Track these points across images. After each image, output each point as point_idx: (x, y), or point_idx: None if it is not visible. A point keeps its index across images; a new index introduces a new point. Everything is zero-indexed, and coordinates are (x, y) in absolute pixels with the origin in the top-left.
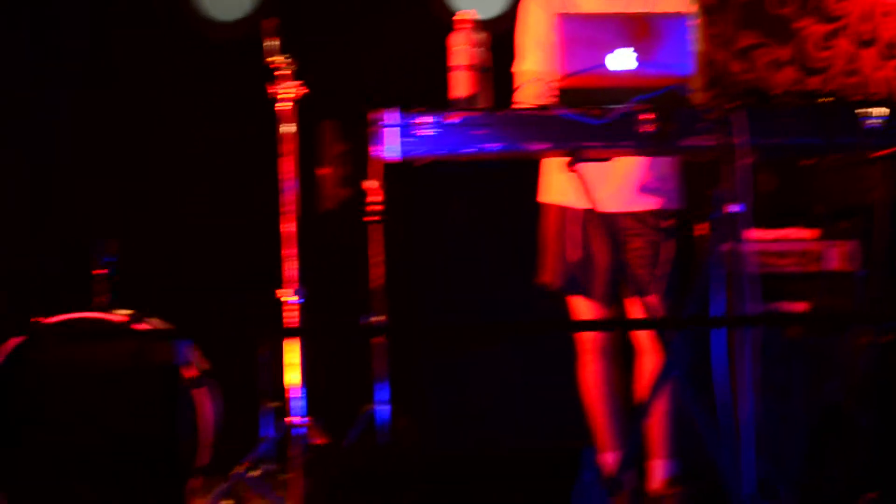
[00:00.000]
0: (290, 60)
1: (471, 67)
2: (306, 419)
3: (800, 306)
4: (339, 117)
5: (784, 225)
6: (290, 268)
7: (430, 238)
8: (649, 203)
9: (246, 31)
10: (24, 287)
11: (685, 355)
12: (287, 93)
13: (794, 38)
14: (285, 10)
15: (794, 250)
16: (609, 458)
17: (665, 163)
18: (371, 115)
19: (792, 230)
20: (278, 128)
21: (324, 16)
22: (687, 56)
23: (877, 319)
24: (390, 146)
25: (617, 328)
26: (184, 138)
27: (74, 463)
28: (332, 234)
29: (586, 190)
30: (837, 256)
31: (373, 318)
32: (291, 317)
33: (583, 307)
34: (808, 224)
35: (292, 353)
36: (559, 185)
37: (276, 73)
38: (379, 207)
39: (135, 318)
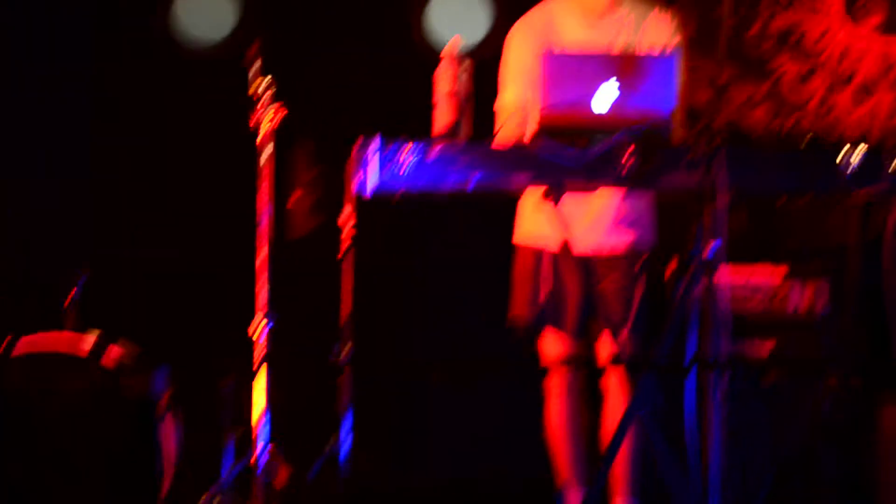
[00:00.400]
0: (270, 82)
1: (455, 98)
2: (270, 449)
3: (766, 345)
4: (314, 142)
5: (750, 263)
6: (261, 296)
7: (405, 270)
8: (623, 240)
9: (225, 53)
10: None
11: (653, 395)
12: (266, 115)
13: (769, 76)
14: (265, 32)
15: (760, 289)
16: (573, 498)
17: (639, 200)
18: (353, 142)
19: (758, 269)
20: (257, 150)
21: (304, 38)
22: (669, 94)
23: (845, 363)
24: (369, 175)
25: (584, 369)
26: (158, 160)
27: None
28: (302, 261)
29: (562, 227)
30: (804, 296)
31: (342, 350)
32: (260, 346)
33: (552, 345)
34: (774, 263)
35: (258, 383)
36: (534, 225)
37: (256, 95)
38: (351, 237)
39: (103, 342)
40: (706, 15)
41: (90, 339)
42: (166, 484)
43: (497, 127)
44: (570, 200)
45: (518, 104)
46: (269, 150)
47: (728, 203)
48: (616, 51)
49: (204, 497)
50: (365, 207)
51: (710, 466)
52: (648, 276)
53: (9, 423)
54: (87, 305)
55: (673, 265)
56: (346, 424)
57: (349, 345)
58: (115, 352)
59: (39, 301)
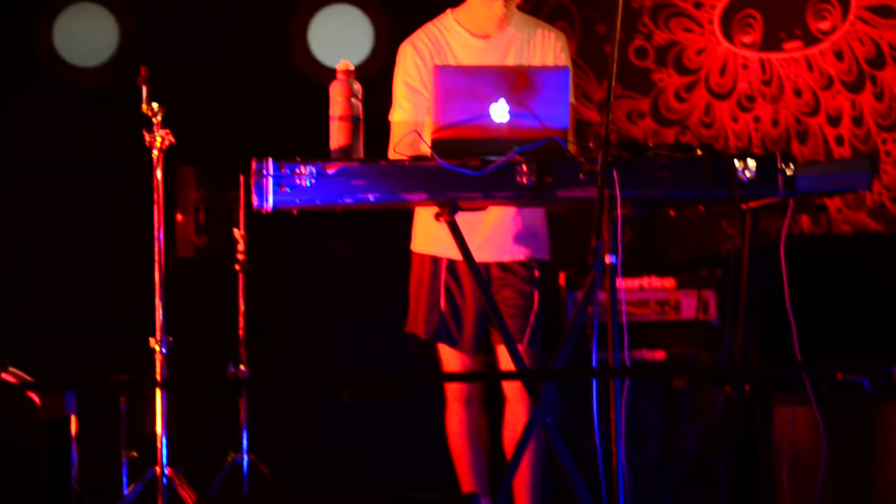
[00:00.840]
0: (159, 108)
1: (347, 122)
2: (169, 469)
3: (657, 354)
4: (194, 167)
5: (639, 274)
6: (156, 315)
7: (300, 286)
8: (518, 253)
9: (109, 78)
10: None
11: (555, 403)
12: (155, 140)
13: (652, 89)
14: (148, 58)
15: (651, 299)
16: None
17: (533, 214)
18: (240, 166)
19: (649, 279)
20: (153, 173)
21: (187, 64)
22: (563, 108)
23: (739, 370)
24: (264, 196)
25: (484, 379)
26: (47, 183)
27: None
28: (190, 281)
29: (455, 241)
30: (693, 306)
31: (239, 367)
32: (157, 365)
33: (451, 354)
34: (662, 273)
35: (155, 403)
36: (430, 234)
37: (148, 120)
38: (244, 257)
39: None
40: (588, 31)
41: None
42: None
43: (392, 141)
44: (463, 216)
45: (410, 119)
46: (159, 174)
47: (627, 215)
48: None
49: None
50: (258, 226)
51: (617, 472)
52: (544, 287)
53: None
54: None
55: (564, 276)
56: (245, 441)
57: (245, 361)
58: (16, 372)
59: None
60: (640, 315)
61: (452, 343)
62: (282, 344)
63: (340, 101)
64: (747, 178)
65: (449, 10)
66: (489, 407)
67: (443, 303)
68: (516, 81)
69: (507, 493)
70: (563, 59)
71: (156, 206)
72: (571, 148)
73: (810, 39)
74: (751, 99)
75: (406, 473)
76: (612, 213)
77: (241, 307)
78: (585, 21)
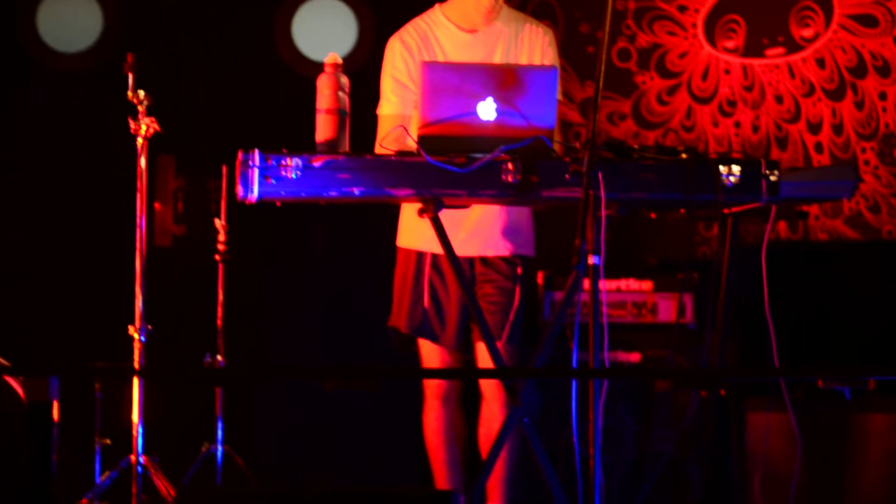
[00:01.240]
0: (145, 96)
1: (334, 115)
2: (144, 457)
3: (633, 356)
4: (174, 156)
5: (617, 276)
6: (135, 304)
7: (281, 277)
8: (503, 249)
9: (92, 65)
10: None
11: (534, 403)
12: (140, 128)
13: (634, 91)
14: (130, 46)
15: (628, 301)
16: None
17: (519, 210)
18: (224, 156)
19: (626, 281)
20: (136, 161)
21: (168, 52)
22: (550, 108)
23: (722, 375)
24: (249, 187)
25: (464, 377)
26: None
27: None
28: (167, 271)
29: (438, 237)
30: (670, 309)
31: (216, 357)
32: (135, 354)
33: (432, 350)
34: (640, 276)
35: (132, 392)
36: (415, 229)
37: (133, 107)
38: (224, 247)
39: None
40: (571, 31)
41: None
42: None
43: (379, 134)
44: (447, 211)
45: (398, 113)
46: (143, 162)
47: (607, 216)
48: (495, 60)
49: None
50: (239, 216)
51: (594, 472)
52: (526, 284)
53: None
54: None
55: (542, 276)
56: (220, 431)
57: (222, 352)
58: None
59: None
60: (617, 317)
61: (434, 339)
62: (260, 334)
63: (328, 94)
64: (731, 182)
65: (437, 5)
66: (466, 404)
67: (426, 298)
68: (504, 80)
69: (481, 491)
70: (551, 55)
71: (139, 195)
72: (557, 147)
73: (793, 46)
74: (732, 104)
75: (383, 466)
76: (595, 214)
77: (220, 297)
78: (569, 20)
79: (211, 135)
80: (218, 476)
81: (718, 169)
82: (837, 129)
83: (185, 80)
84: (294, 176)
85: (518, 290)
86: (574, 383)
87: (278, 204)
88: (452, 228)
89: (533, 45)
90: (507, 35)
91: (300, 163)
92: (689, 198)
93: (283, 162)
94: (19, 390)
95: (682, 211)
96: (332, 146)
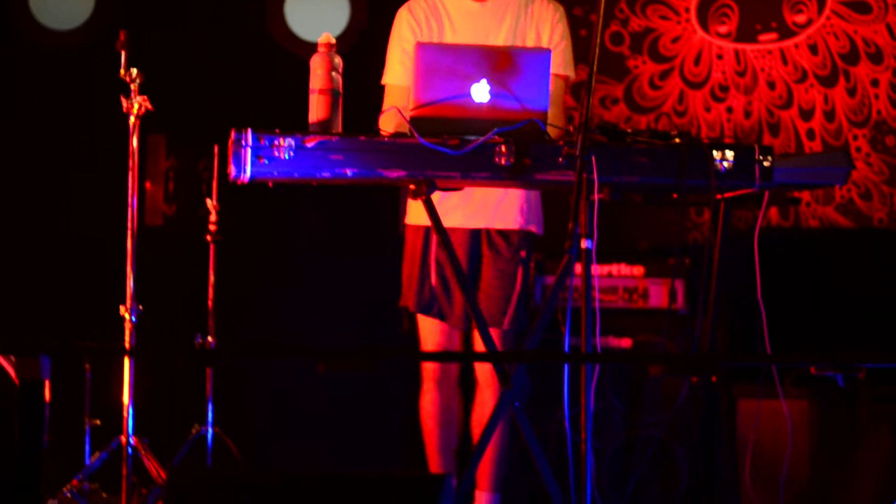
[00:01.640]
0: (137, 74)
1: (327, 95)
2: (134, 438)
3: (624, 342)
4: (165, 136)
5: (608, 261)
6: (126, 284)
7: (273, 258)
8: (512, 221)
9: (82, 42)
10: None
11: (525, 387)
12: (132, 106)
13: (627, 75)
14: (123, 23)
15: (619, 286)
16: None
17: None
18: (216, 135)
19: (618, 266)
20: (128, 140)
21: (159, 29)
22: (544, 90)
23: (707, 360)
24: (243, 167)
25: (455, 360)
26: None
27: None
28: (158, 250)
29: (430, 218)
30: (662, 294)
31: (207, 338)
32: (126, 334)
33: (431, 330)
34: (631, 261)
35: (123, 372)
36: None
37: (125, 85)
38: (215, 227)
39: None
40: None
41: None
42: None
43: (385, 104)
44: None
45: (403, 84)
46: (135, 140)
47: (599, 200)
48: (503, 30)
49: (67, 486)
50: (232, 197)
51: (586, 456)
52: (529, 266)
53: None
54: None
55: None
56: (211, 412)
57: (213, 333)
58: None
59: None
60: (609, 302)
61: (443, 317)
62: (251, 315)
63: (321, 74)
64: (724, 168)
65: None
66: (464, 388)
67: (433, 276)
68: (497, 62)
69: (471, 475)
70: (561, 30)
71: (130, 174)
72: (555, 132)
73: (786, 32)
74: (724, 89)
75: (375, 449)
76: (588, 197)
77: (212, 278)
78: (563, 3)
79: (202, 114)
80: (208, 458)
81: (712, 154)
82: (829, 115)
83: (177, 60)
84: (287, 156)
85: (520, 273)
86: (566, 368)
87: (270, 184)
88: (462, 199)
89: (542, 20)
90: (517, 7)
91: (293, 143)
92: (682, 182)
93: (276, 142)
94: (10, 369)
95: (675, 196)
96: (325, 126)
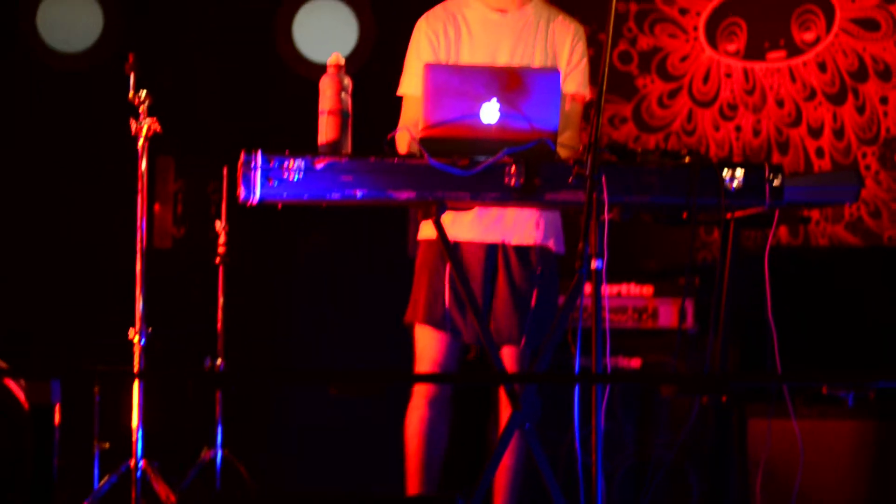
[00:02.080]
0: (146, 96)
1: (336, 116)
2: (143, 461)
3: (634, 362)
4: (174, 158)
5: (617, 281)
6: (135, 307)
7: (282, 280)
8: (529, 237)
9: (91, 65)
10: None
11: (535, 408)
12: (142, 128)
13: (635, 94)
14: (132, 46)
15: (629, 306)
16: None
17: None
18: (224, 157)
19: (627, 286)
20: (137, 162)
21: (168, 53)
22: (554, 110)
23: (718, 380)
24: (251, 188)
25: (461, 382)
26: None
27: None
28: (168, 273)
29: (441, 240)
30: (671, 314)
31: (216, 361)
32: (135, 357)
33: (431, 345)
34: (640, 281)
35: (132, 396)
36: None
37: (134, 108)
38: (224, 249)
39: None
40: None
41: None
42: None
43: (403, 115)
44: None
45: (419, 94)
46: (144, 163)
47: (609, 220)
48: (520, 44)
49: None
50: (240, 219)
51: (596, 478)
52: (546, 284)
53: None
54: None
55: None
56: (219, 436)
57: (222, 355)
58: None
59: None
60: (618, 322)
61: (457, 333)
62: (260, 338)
63: (330, 95)
64: (734, 187)
65: None
66: (484, 406)
67: (447, 291)
68: (507, 82)
69: (482, 496)
70: (580, 49)
71: (139, 196)
72: (566, 153)
73: (794, 50)
74: (733, 108)
75: (384, 470)
76: (598, 218)
77: (221, 300)
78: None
79: (211, 136)
80: (217, 481)
81: (722, 173)
82: (838, 133)
83: (186, 82)
84: (296, 178)
85: (535, 293)
86: (577, 388)
87: (280, 206)
88: (478, 214)
89: (563, 37)
90: (536, 22)
91: (303, 164)
92: (692, 202)
93: (286, 164)
94: (20, 394)
95: (685, 215)
96: (334, 148)
